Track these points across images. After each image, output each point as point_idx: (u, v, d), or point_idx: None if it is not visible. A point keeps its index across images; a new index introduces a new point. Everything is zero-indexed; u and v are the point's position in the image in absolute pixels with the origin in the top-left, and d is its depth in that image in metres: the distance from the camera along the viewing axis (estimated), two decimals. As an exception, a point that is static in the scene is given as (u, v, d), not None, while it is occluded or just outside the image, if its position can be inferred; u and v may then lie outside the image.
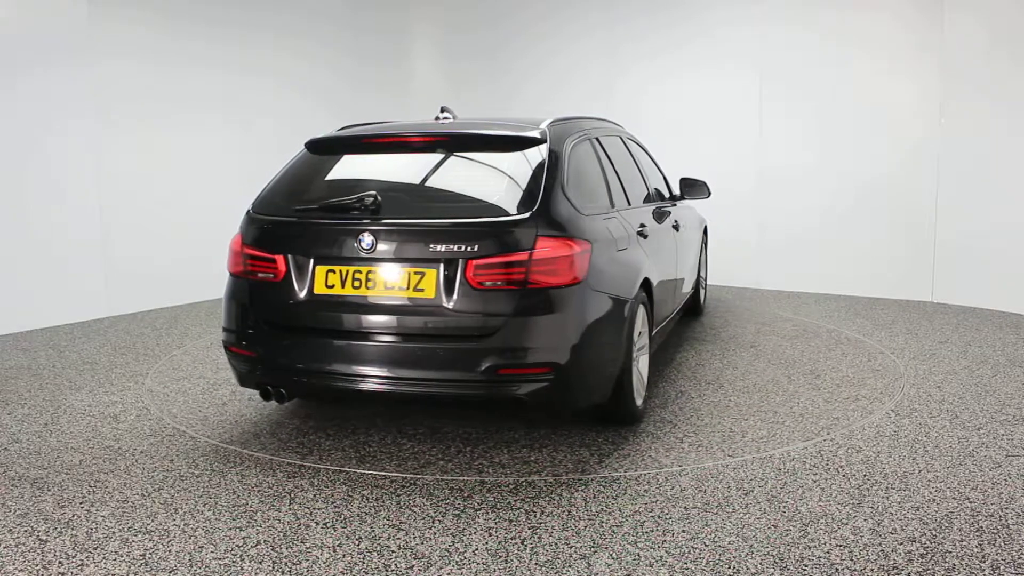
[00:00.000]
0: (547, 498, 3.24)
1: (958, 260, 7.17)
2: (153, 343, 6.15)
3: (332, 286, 3.56)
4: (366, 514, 3.12)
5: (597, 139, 4.50)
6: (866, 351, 5.57)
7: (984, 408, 4.29)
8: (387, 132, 4.11)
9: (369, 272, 3.51)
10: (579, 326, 3.45)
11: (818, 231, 7.94)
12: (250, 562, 2.75)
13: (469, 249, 3.38)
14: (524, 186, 3.59)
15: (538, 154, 3.75)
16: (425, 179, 3.85)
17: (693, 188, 5.72)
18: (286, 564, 2.73)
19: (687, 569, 2.67)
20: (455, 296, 3.40)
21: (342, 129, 4.39)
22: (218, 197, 8.17)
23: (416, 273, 3.45)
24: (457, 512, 3.12)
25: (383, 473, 3.53)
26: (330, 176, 4.04)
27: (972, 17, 6.93)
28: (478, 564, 2.72)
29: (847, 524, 2.96)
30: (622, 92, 8.94)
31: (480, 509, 3.15)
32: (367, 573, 2.68)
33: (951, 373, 4.98)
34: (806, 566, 2.67)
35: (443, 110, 4.33)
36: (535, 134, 3.84)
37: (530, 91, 9.60)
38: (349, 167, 4.07)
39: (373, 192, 3.61)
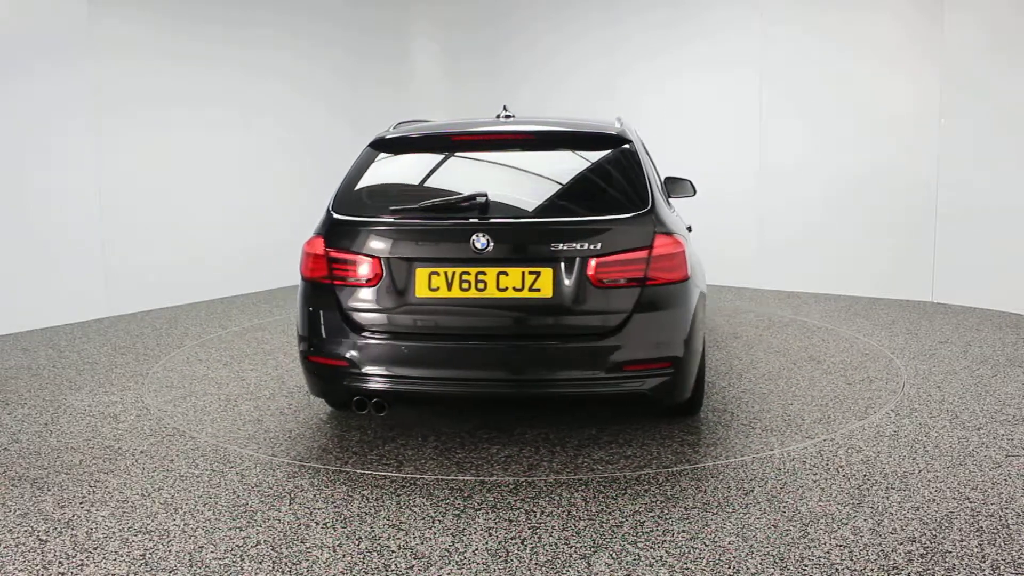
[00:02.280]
0: (547, 498, 3.24)
1: (958, 260, 7.17)
2: (153, 343, 6.15)
3: (437, 288, 3.43)
4: (366, 514, 3.12)
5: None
6: (866, 351, 5.57)
7: (984, 408, 4.29)
8: (473, 130, 4.00)
9: (479, 273, 3.41)
10: (689, 320, 3.55)
11: (818, 231, 7.94)
12: (250, 562, 2.75)
13: (591, 247, 3.39)
14: (629, 184, 3.63)
15: (627, 153, 3.78)
16: (520, 177, 3.81)
17: (677, 186, 5.57)
18: (286, 564, 2.73)
19: (687, 569, 2.67)
20: (575, 294, 3.39)
21: (399, 126, 4.22)
22: (218, 196, 8.18)
23: (531, 273, 3.40)
24: (457, 512, 3.12)
25: (383, 473, 3.53)
26: (418, 175, 3.91)
27: (972, 17, 6.93)
28: (478, 564, 2.72)
29: (847, 524, 2.96)
30: (622, 91, 8.93)
31: (480, 509, 3.15)
32: (367, 573, 2.68)
33: (951, 373, 4.98)
34: (806, 566, 2.67)
35: (504, 109, 4.32)
36: (620, 133, 3.86)
37: (530, 90, 9.60)
38: (434, 166, 3.93)
39: (483, 191, 3.52)
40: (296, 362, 5.51)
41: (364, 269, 3.51)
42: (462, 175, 3.86)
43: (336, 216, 3.67)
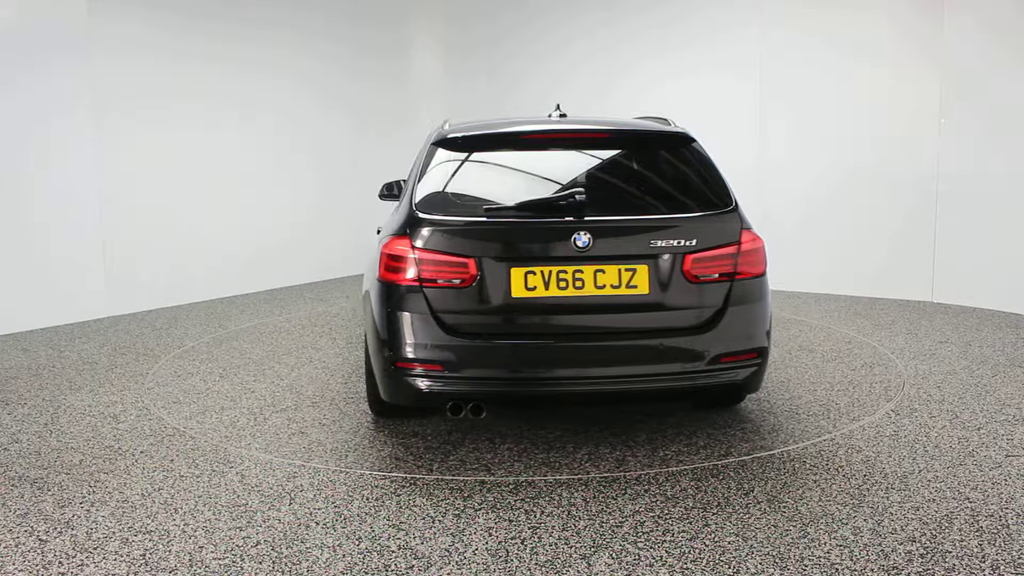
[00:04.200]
0: (547, 498, 3.24)
1: (958, 260, 7.17)
2: (153, 343, 6.15)
3: (533, 288, 3.40)
4: (366, 514, 3.12)
5: None
6: (866, 351, 5.57)
7: (984, 408, 4.29)
8: (547, 128, 3.98)
9: (576, 272, 3.41)
10: (769, 312, 3.70)
11: (818, 231, 7.94)
12: (250, 562, 2.75)
13: (687, 243, 3.46)
14: (710, 183, 3.71)
15: (697, 152, 3.86)
16: (602, 175, 3.83)
17: None
18: (286, 564, 2.73)
19: (687, 569, 2.67)
20: (671, 290, 3.46)
21: (446, 124, 4.15)
22: (219, 196, 8.18)
23: (627, 270, 3.43)
24: (457, 512, 3.12)
25: (383, 473, 3.53)
26: (496, 174, 3.88)
27: (972, 17, 6.93)
28: (478, 564, 2.72)
29: (847, 524, 2.96)
30: (622, 90, 8.93)
31: (480, 509, 3.15)
32: (367, 573, 2.68)
33: (951, 373, 4.98)
34: (806, 566, 2.67)
35: (558, 108, 4.33)
36: (686, 132, 3.94)
37: (530, 86, 9.60)
38: (510, 164, 3.90)
39: (581, 189, 3.53)
40: (296, 362, 5.51)
41: (458, 270, 3.42)
42: (541, 173, 3.85)
43: (423, 216, 3.54)
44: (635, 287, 3.43)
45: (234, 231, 8.32)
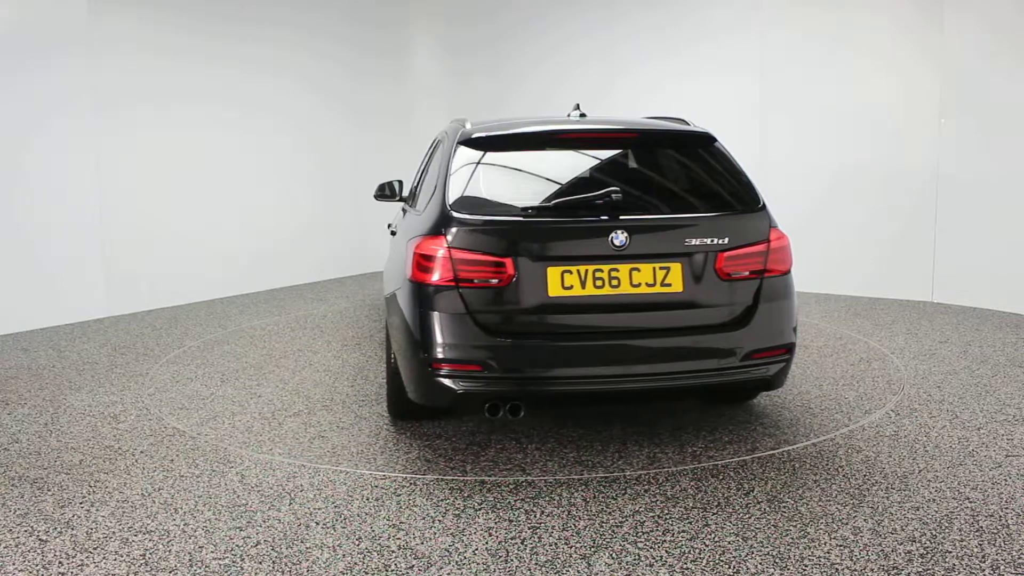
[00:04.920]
0: (547, 498, 3.24)
1: (958, 260, 7.17)
2: (153, 343, 6.15)
3: (570, 287, 3.41)
4: (366, 514, 3.12)
5: None
6: (866, 351, 5.57)
7: (984, 408, 4.29)
8: (576, 128, 3.99)
9: (612, 270, 3.43)
10: (795, 308, 3.76)
11: (818, 231, 7.93)
12: (250, 562, 2.75)
13: (719, 241, 3.51)
14: (738, 182, 3.77)
15: (719, 151, 3.90)
16: (633, 175, 3.85)
17: None
18: (286, 564, 2.73)
19: (687, 569, 2.67)
20: (704, 287, 3.50)
21: (456, 123, 4.14)
22: (219, 196, 8.18)
23: (661, 268, 3.46)
24: (457, 512, 3.12)
25: (383, 473, 3.53)
26: (526, 173, 3.87)
27: (972, 17, 6.93)
28: (478, 564, 2.72)
29: (847, 524, 2.96)
30: (623, 90, 8.93)
31: (480, 509, 3.15)
32: (367, 573, 2.68)
33: (951, 373, 4.98)
34: (806, 566, 2.67)
35: (577, 108, 4.34)
36: (710, 132, 3.98)
37: (530, 87, 9.60)
38: (541, 163, 3.90)
39: (616, 188, 3.56)
40: (296, 365, 5.51)
41: (496, 270, 3.40)
42: (571, 173, 3.86)
43: (458, 216, 3.50)
44: (669, 285, 3.47)
45: (234, 231, 8.32)
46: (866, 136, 7.58)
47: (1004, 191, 6.80)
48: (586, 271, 3.42)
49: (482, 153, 3.81)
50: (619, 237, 3.41)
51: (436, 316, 3.43)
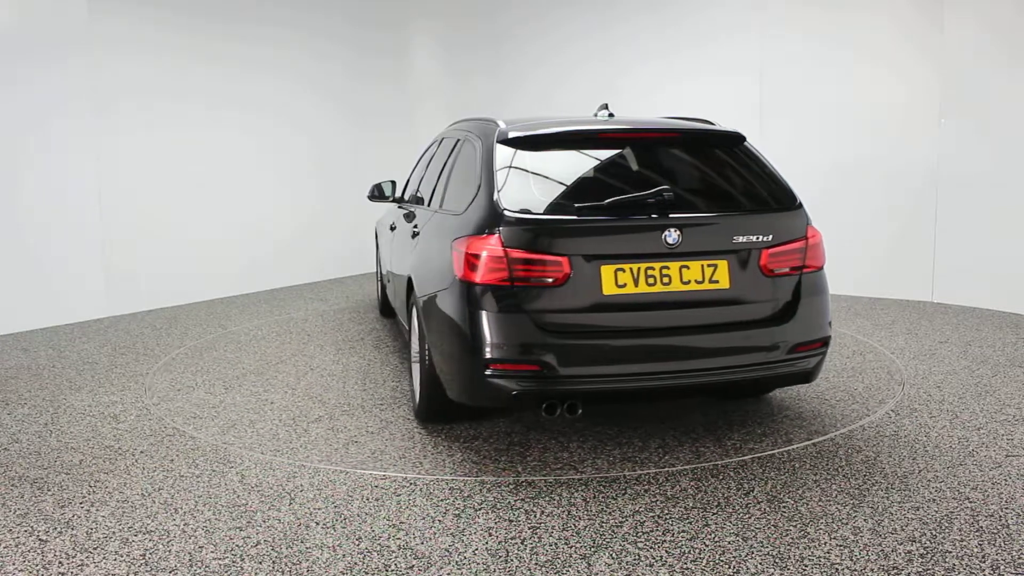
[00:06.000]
0: (547, 498, 3.24)
1: (958, 260, 7.16)
2: (153, 343, 6.15)
3: (624, 285, 3.44)
4: (366, 514, 3.12)
5: None
6: (866, 351, 5.57)
7: (984, 408, 4.29)
8: (618, 127, 4.01)
9: (663, 268, 3.48)
10: (829, 302, 3.84)
11: (818, 231, 7.93)
12: (250, 562, 2.75)
13: (764, 238, 3.60)
14: (772, 180, 3.88)
15: (750, 150, 3.99)
16: (678, 174, 3.89)
17: None
18: (286, 564, 2.73)
19: (687, 569, 2.67)
20: (749, 284, 3.58)
21: (463, 123, 4.09)
22: (219, 196, 8.18)
23: (709, 265, 3.53)
24: (457, 512, 3.12)
25: (383, 473, 3.53)
26: (572, 172, 3.87)
27: (972, 18, 6.93)
28: (478, 564, 2.72)
29: (847, 524, 2.96)
30: (623, 90, 8.92)
31: (480, 509, 3.15)
32: (367, 573, 2.68)
33: (951, 373, 4.98)
34: (806, 566, 2.67)
35: (606, 107, 4.35)
36: (740, 132, 4.06)
37: (530, 87, 9.60)
38: (585, 163, 3.90)
39: (667, 187, 3.63)
40: (295, 369, 5.51)
41: (553, 268, 3.40)
42: (616, 172, 3.88)
43: (512, 214, 3.47)
44: (716, 282, 3.53)
45: (234, 231, 8.32)
46: (866, 136, 7.58)
47: (1004, 191, 6.80)
48: (639, 269, 3.47)
49: (524, 152, 3.79)
50: (672, 235, 3.46)
51: (492, 316, 3.41)
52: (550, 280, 3.40)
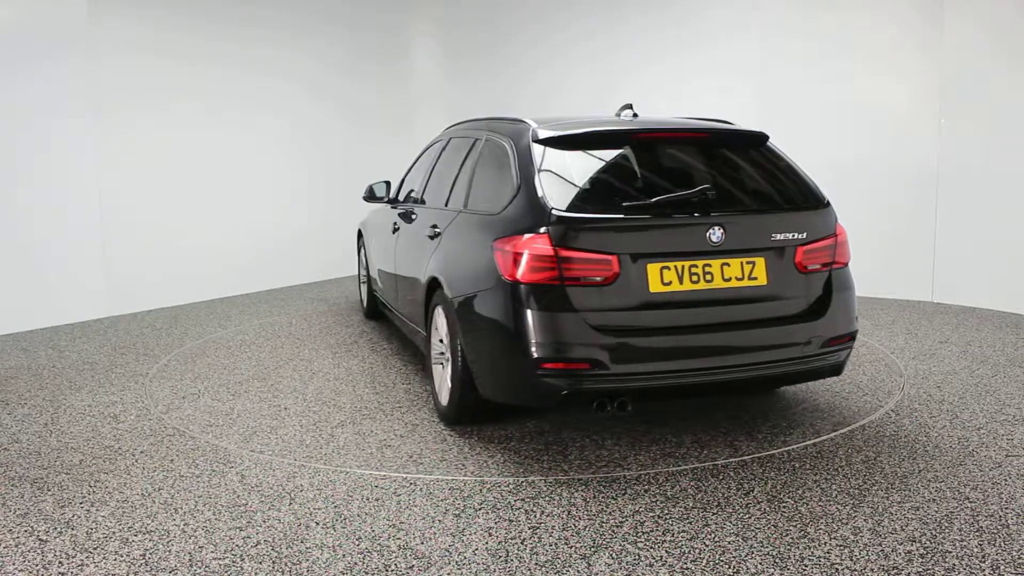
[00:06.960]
0: (547, 498, 3.24)
1: (958, 260, 7.16)
2: (153, 343, 6.15)
3: (669, 283, 3.50)
4: (366, 514, 3.12)
5: None
6: (866, 351, 5.57)
7: (984, 408, 4.29)
8: (653, 127, 4.05)
9: (706, 266, 3.55)
10: (855, 297, 3.92)
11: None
12: (250, 562, 2.75)
13: (799, 236, 3.70)
14: (800, 179, 3.96)
15: (774, 150, 4.06)
16: (715, 173, 3.92)
17: None
18: (286, 564, 2.73)
19: (687, 569, 2.67)
20: (785, 280, 3.67)
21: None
22: (219, 196, 8.18)
23: (748, 263, 3.60)
24: (457, 512, 3.12)
25: (383, 473, 3.53)
26: (612, 171, 3.88)
27: (972, 18, 6.93)
28: (478, 564, 2.72)
29: (847, 524, 2.96)
30: (623, 91, 8.90)
31: (480, 509, 3.15)
32: (367, 573, 2.68)
33: (951, 373, 4.98)
34: (806, 566, 2.67)
35: (631, 108, 4.37)
36: (764, 132, 4.12)
37: (530, 88, 9.59)
38: (625, 163, 3.91)
39: (709, 186, 3.70)
40: (297, 372, 5.51)
41: (602, 267, 3.43)
42: (655, 171, 3.91)
43: (560, 214, 3.48)
44: (755, 279, 3.62)
45: (234, 231, 8.32)
46: (866, 136, 7.58)
47: (1004, 191, 6.80)
48: (683, 267, 3.53)
49: (560, 152, 3.81)
50: (716, 233, 3.53)
51: (542, 316, 3.41)
52: (599, 279, 3.43)
